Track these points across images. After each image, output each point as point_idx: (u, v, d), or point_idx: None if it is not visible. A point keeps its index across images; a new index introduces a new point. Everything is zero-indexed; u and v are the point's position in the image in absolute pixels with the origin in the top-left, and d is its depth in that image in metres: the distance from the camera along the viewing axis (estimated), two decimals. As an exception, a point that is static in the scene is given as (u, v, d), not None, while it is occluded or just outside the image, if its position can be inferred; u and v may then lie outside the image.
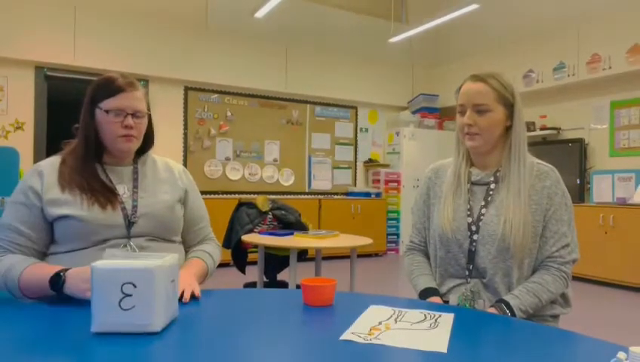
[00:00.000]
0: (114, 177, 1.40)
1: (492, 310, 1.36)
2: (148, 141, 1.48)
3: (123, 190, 1.39)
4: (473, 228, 1.44)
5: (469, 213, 1.46)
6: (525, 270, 1.42)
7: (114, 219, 1.33)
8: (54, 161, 1.39)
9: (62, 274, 1.16)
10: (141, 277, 0.95)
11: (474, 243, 1.43)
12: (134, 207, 1.37)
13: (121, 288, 0.94)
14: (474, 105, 1.42)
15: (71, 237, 1.30)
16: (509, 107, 1.43)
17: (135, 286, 0.94)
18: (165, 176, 1.51)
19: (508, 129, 1.45)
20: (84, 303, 1.07)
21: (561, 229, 1.41)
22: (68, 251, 1.31)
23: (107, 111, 1.35)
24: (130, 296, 0.94)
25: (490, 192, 1.45)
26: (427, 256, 1.61)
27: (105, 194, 1.34)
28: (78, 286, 1.13)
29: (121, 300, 0.94)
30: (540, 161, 1.48)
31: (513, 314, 1.33)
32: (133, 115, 1.37)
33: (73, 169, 1.35)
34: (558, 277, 1.39)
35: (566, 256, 1.41)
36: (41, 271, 1.20)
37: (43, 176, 1.34)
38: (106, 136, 1.37)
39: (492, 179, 1.46)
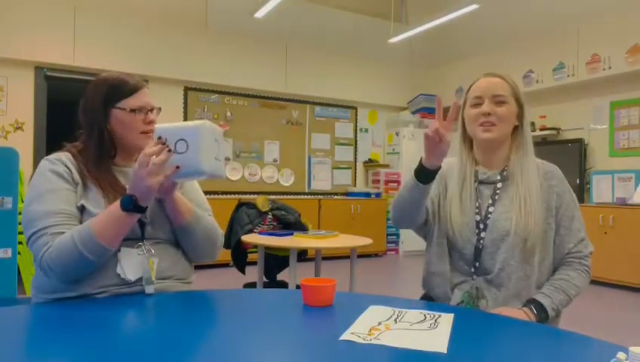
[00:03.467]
0: (122, 180, 1.39)
1: (522, 312, 1.34)
2: None
3: None
4: (481, 225, 1.45)
5: (477, 210, 1.46)
6: (546, 269, 1.44)
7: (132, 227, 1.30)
8: (65, 153, 1.36)
9: (128, 194, 1.19)
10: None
11: (481, 241, 1.44)
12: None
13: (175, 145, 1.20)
14: (493, 96, 1.44)
15: None
16: (520, 106, 1.48)
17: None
18: None
19: (516, 129, 1.48)
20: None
21: (574, 225, 1.44)
22: None
23: (133, 110, 1.36)
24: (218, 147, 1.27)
25: (498, 191, 1.47)
26: None
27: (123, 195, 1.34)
28: (144, 182, 1.17)
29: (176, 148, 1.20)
30: (542, 161, 1.50)
31: (546, 314, 1.34)
32: (151, 110, 1.40)
33: (88, 167, 1.34)
34: (581, 271, 1.43)
35: (584, 250, 1.44)
36: (107, 211, 1.22)
37: (66, 164, 1.32)
38: (127, 135, 1.37)
39: (499, 178, 1.48)
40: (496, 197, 1.46)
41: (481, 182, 1.50)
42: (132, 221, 1.23)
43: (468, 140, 1.54)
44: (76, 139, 1.42)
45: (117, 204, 1.21)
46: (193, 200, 1.48)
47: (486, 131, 1.44)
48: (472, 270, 1.45)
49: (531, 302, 1.37)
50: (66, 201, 1.27)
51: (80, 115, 1.40)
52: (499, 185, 1.47)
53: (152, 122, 1.39)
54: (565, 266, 1.44)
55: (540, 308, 1.35)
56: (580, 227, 1.45)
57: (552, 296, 1.37)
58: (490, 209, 1.45)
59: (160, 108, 1.46)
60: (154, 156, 1.18)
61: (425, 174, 1.34)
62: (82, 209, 1.28)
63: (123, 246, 1.28)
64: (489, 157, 1.51)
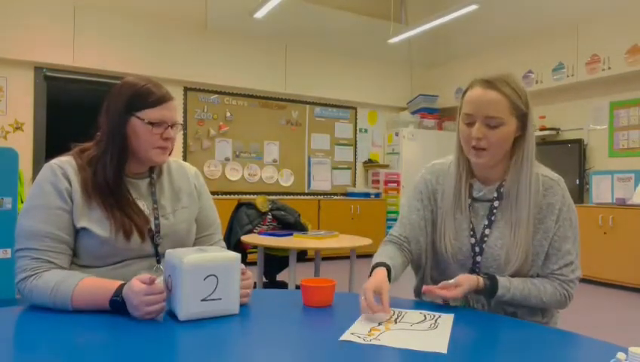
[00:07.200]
0: (133, 192, 1.33)
1: (476, 278, 1.27)
2: None
3: (142, 207, 1.33)
4: (477, 249, 1.36)
5: (471, 232, 1.37)
6: None
7: (139, 245, 1.28)
8: (70, 162, 1.29)
9: (119, 298, 1.08)
10: (224, 269, 1.11)
11: (477, 265, 1.37)
12: (157, 226, 1.33)
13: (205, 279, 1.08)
14: (485, 118, 1.26)
15: (88, 252, 1.24)
16: (522, 117, 1.29)
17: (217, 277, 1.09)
18: (180, 183, 1.46)
19: (516, 139, 1.31)
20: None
21: (564, 247, 1.32)
22: (84, 266, 1.25)
23: (151, 123, 1.28)
24: (214, 286, 1.09)
25: (494, 211, 1.35)
26: (402, 248, 1.47)
27: (134, 220, 1.27)
28: (138, 310, 1.06)
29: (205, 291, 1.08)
30: (545, 174, 1.36)
31: (494, 290, 1.27)
32: (172, 126, 1.33)
33: (99, 181, 1.26)
34: (559, 293, 1.31)
35: (569, 275, 1.32)
36: (94, 293, 1.12)
37: (69, 178, 1.25)
38: (140, 147, 1.30)
39: (495, 195, 1.35)
40: (493, 218, 1.35)
41: (475, 200, 1.38)
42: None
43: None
44: (79, 140, 1.36)
45: (109, 291, 1.10)
46: (204, 215, 1.48)
47: (477, 156, 1.30)
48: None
49: (489, 278, 1.28)
50: (56, 224, 1.21)
51: (102, 117, 1.32)
52: (495, 203, 1.35)
53: (169, 139, 1.33)
54: (547, 279, 1.32)
55: (493, 286, 1.27)
56: (572, 249, 1.32)
57: (511, 286, 1.28)
58: (487, 231, 1.35)
59: (181, 125, 1.39)
60: (147, 293, 1.05)
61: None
62: (82, 229, 1.22)
63: (139, 270, 1.25)
64: (485, 172, 1.37)
